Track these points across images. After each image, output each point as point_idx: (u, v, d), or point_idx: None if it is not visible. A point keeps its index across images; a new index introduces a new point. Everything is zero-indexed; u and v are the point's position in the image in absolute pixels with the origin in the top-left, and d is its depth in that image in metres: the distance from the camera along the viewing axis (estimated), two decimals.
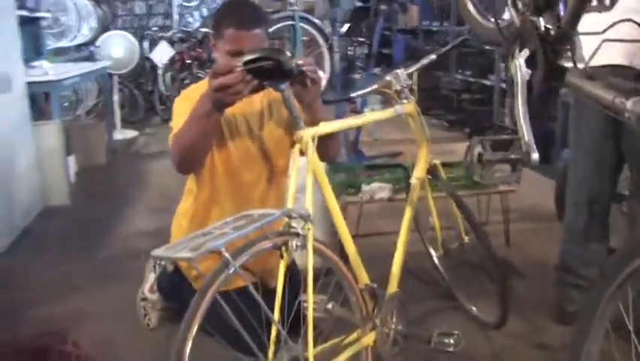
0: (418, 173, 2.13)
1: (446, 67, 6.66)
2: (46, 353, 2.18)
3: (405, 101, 2.09)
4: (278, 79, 1.59)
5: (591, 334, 1.15)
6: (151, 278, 2.37)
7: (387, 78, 2.12)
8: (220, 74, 1.53)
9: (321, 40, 4.18)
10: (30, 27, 4.97)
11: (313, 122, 1.72)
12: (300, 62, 1.69)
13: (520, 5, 1.21)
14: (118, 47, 6.19)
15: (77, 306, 2.63)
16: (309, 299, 1.52)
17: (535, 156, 1.11)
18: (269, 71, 1.55)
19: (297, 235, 1.51)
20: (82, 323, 2.48)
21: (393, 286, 1.92)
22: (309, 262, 1.53)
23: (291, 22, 4.00)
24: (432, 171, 2.18)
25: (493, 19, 1.50)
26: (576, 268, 2.33)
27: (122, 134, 6.18)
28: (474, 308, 2.45)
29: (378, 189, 3.00)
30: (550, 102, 4.51)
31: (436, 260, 2.59)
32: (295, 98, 1.71)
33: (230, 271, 1.34)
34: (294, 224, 1.52)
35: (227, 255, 1.29)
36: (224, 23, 1.86)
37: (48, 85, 3.89)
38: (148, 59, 7.40)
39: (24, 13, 4.54)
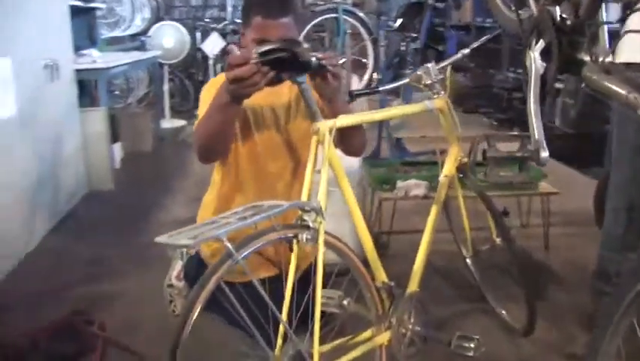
0: (447, 170, 2.07)
1: (499, 65, 6.49)
2: (72, 332, 2.25)
3: (435, 95, 2.03)
4: (294, 71, 1.56)
5: (601, 351, 1.08)
6: (178, 266, 2.38)
7: (418, 72, 2.06)
8: (235, 66, 1.51)
9: (365, 34, 4.12)
10: (84, 17, 5.11)
11: (334, 116, 1.69)
12: (321, 55, 1.66)
13: None
14: (169, 38, 6.30)
15: (110, 289, 2.69)
16: (318, 294, 1.49)
17: (545, 154, 1.05)
18: (285, 63, 1.52)
19: (308, 227, 1.48)
20: (112, 306, 2.54)
21: (413, 285, 1.87)
22: (319, 256, 1.50)
23: (334, 15, 3.97)
24: (461, 169, 2.12)
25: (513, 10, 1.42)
26: (613, 275, 2.22)
27: (170, 122, 6.30)
28: (504, 313, 2.37)
29: (414, 185, 2.93)
30: (603, 103, 4.32)
31: (468, 261, 2.52)
32: (316, 92, 1.69)
33: (235, 262, 1.32)
34: (305, 217, 1.49)
35: (228, 245, 1.28)
36: (252, 11, 1.84)
37: (95, 72, 3.99)
38: (200, 49, 7.51)
39: (78, 3, 4.66)
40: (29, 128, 3.22)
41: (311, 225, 1.49)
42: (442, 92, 2.05)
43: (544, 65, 1.09)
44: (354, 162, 2.90)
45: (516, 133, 1.37)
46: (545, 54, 1.09)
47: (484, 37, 2.23)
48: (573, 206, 3.72)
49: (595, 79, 0.99)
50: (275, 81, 1.59)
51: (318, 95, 1.73)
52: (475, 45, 2.19)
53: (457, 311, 2.50)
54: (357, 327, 1.76)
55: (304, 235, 1.48)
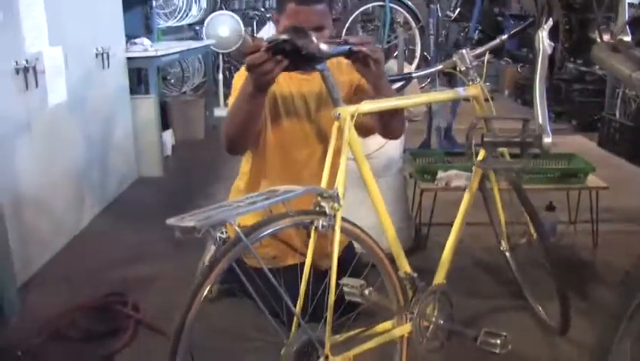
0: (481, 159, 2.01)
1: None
2: (106, 312, 2.32)
3: (470, 82, 1.97)
4: (304, 61, 1.55)
5: (611, 353, 1.01)
6: (212, 249, 2.42)
7: (453, 58, 2.01)
8: (248, 54, 1.52)
9: (412, 22, 4.05)
10: (141, 7, 5.23)
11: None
12: (353, 40, 1.65)
13: None
14: (224, 27, 6.36)
15: (148, 272, 2.75)
16: (332, 282, 1.47)
17: (548, 140, 0.98)
18: (291, 54, 1.52)
19: (325, 214, 1.46)
20: (149, 288, 2.60)
21: (439, 278, 1.83)
22: (335, 243, 1.48)
23: (381, 3, 3.91)
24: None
25: None
26: None
27: (223, 111, 6.37)
28: (540, 309, 2.29)
29: (455, 176, 2.86)
30: None
31: (507, 255, 2.44)
32: (362, 77, 1.72)
33: (244, 247, 1.32)
34: (323, 203, 1.47)
35: (237, 229, 1.28)
36: None
37: (146, 60, 4.07)
38: (256, 39, 7.57)
39: None
40: (80, 114, 3.33)
41: (328, 211, 1.47)
42: (478, 79, 1.98)
43: (553, 45, 1.02)
44: (396, 151, 2.86)
45: (519, 116, 1.27)
46: (554, 33, 1.03)
47: (524, 24, 2.14)
48: (627, 202, 3.56)
49: (602, 58, 0.92)
50: (292, 68, 1.59)
51: (366, 80, 1.74)
52: (514, 32, 2.10)
53: (493, 306, 2.43)
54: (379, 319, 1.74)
55: (320, 222, 1.46)
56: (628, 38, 0.95)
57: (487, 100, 1.96)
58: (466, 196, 1.94)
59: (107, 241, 3.16)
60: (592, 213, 2.95)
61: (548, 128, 0.98)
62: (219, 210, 1.27)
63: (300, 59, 1.53)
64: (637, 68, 0.81)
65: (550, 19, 1.01)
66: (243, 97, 1.70)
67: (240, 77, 1.92)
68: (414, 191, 3.13)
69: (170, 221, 1.25)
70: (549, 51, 1.02)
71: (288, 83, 2.00)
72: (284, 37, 1.51)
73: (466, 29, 7.59)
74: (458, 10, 7.91)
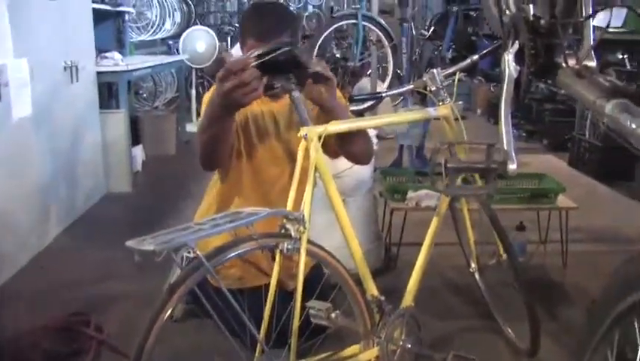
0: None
1: None
2: (68, 333, 2.24)
3: (440, 102, 1.96)
4: (289, 72, 1.52)
5: None
6: (178, 271, 2.36)
7: (424, 78, 2.00)
8: (234, 72, 1.46)
9: (385, 40, 4.07)
10: (113, 20, 5.17)
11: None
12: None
13: None
14: (201, 42, 6.34)
15: (113, 291, 2.69)
16: (297, 306, 1.44)
17: (513, 166, 0.97)
18: (281, 65, 1.49)
19: (290, 236, 1.43)
20: (113, 308, 2.53)
21: (407, 300, 1.81)
22: (300, 266, 1.46)
23: (354, 21, 3.92)
24: (467, 180, 2.04)
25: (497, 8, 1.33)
26: None
27: (195, 126, 6.32)
28: (510, 331, 2.28)
29: (425, 196, 2.85)
30: None
31: (476, 276, 2.43)
32: (313, 101, 1.68)
33: (206, 272, 1.28)
34: (288, 225, 1.45)
35: (199, 253, 1.24)
36: (246, 31, 1.82)
37: (116, 75, 4.02)
38: (231, 54, 7.55)
39: (106, 7, 4.72)
40: (46, 129, 3.26)
41: (293, 234, 1.44)
42: (448, 99, 1.98)
43: (519, 68, 1.01)
44: (366, 170, 2.85)
45: (483, 141, 1.26)
46: (520, 57, 1.02)
47: (495, 45, 2.15)
48: (596, 221, 3.59)
49: (567, 83, 0.91)
50: (268, 89, 1.55)
51: (316, 103, 1.70)
52: (484, 52, 2.11)
53: (462, 327, 2.41)
54: (348, 341, 1.71)
55: (285, 245, 1.43)
56: (593, 64, 0.95)
57: (457, 119, 1.96)
58: (435, 220, 1.92)
59: (71, 259, 3.08)
60: (562, 233, 2.96)
61: (513, 154, 0.97)
62: (181, 234, 1.24)
63: (282, 73, 1.50)
64: (601, 95, 0.80)
65: (517, 42, 1.01)
66: (210, 119, 1.66)
67: (211, 97, 1.89)
68: (384, 210, 3.11)
69: (130, 244, 1.21)
70: (515, 75, 1.01)
71: (258, 102, 1.98)
72: (275, 47, 1.46)
73: (440, 48, 7.70)
74: (432, 28, 8.03)
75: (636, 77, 4.60)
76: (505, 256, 2.17)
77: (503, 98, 1.00)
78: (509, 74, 1.00)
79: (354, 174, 2.74)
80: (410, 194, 2.87)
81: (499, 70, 4.49)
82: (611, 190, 4.44)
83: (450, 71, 2.02)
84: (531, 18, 0.98)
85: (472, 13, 7.84)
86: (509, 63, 1.01)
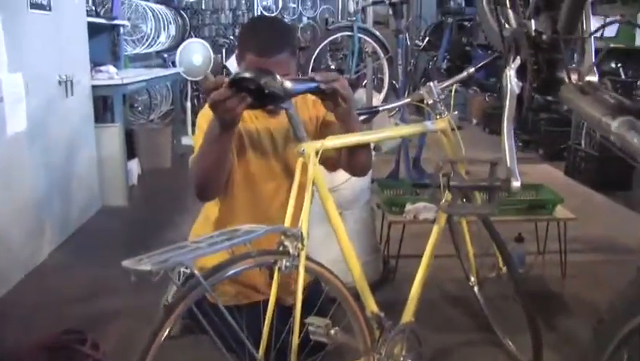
0: (449, 195, 1.98)
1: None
2: (63, 352, 2.21)
3: (438, 116, 1.95)
4: (267, 100, 1.51)
5: None
6: (174, 288, 2.34)
7: (420, 91, 1.99)
8: (210, 90, 1.48)
9: (380, 52, 4.07)
10: (108, 33, 5.17)
11: None
12: (319, 77, 1.61)
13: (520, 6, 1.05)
14: (197, 55, 6.34)
15: (109, 307, 2.66)
16: (296, 323, 1.42)
17: (517, 184, 0.96)
18: (255, 92, 1.48)
19: (288, 253, 1.41)
20: (110, 325, 2.51)
21: (407, 316, 1.78)
22: (299, 284, 1.44)
23: (349, 33, 3.92)
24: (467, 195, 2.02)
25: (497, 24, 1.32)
26: None
27: (191, 139, 6.30)
28: (510, 344, 2.26)
29: (423, 209, 2.84)
30: None
31: (475, 289, 2.41)
32: (332, 114, 1.68)
33: (204, 291, 1.26)
34: (286, 242, 1.43)
35: (196, 272, 1.22)
36: (245, 46, 1.80)
37: (111, 88, 4.00)
38: (225, 67, 7.56)
39: (101, 20, 4.72)
40: (41, 143, 3.24)
41: (291, 251, 1.42)
42: (446, 112, 1.97)
43: (521, 84, 1.00)
44: (364, 182, 2.83)
45: (485, 159, 1.24)
46: (522, 72, 1.00)
47: (491, 57, 2.14)
48: (594, 231, 3.58)
49: (571, 99, 0.90)
50: (257, 106, 1.54)
51: (334, 116, 1.70)
52: (481, 64, 2.10)
53: (463, 341, 2.39)
54: (348, 358, 1.69)
55: (284, 262, 1.41)
56: (595, 78, 0.94)
57: (453, 130, 1.95)
58: (434, 234, 1.91)
59: (66, 275, 3.05)
60: (560, 243, 2.95)
61: (517, 172, 0.95)
62: (178, 253, 1.22)
63: (265, 97, 1.49)
64: (606, 112, 0.79)
65: (518, 57, 1.00)
66: (210, 138, 1.65)
67: (204, 116, 1.88)
68: (382, 222, 3.10)
69: (126, 264, 1.19)
70: (517, 91, 1.00)
71: (252, 119, 1.96)
72: (246, 75, 1.47)
73: (435, 58, 7.71)
74: (427, 39, 8.05)
75: (631, 86, 4.61)
76: (504, 268, 2.15)
77: (506, 114, 0.99)
78: (511, 90, 0.99)
79: (351, 187, 2.73)
80: (408, 207, 2.86)
81: (494, 80, 4.49)
82: (608, 200, 4.44)
83: (447, 83, 2.01)
84: (533, 33, 0.97)
85: (466, 23, 7.88)
86: (511, 79, 1.00)
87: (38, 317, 2.54)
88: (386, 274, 2.98)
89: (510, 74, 1.01)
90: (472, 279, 2.36)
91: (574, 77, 0.95)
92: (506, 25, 1.28)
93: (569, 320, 2.58)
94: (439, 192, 1.56)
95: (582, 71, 0.95)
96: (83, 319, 2.52)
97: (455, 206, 1.53)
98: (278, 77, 1.47)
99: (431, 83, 1.97)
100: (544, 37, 0.96)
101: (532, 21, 0.98)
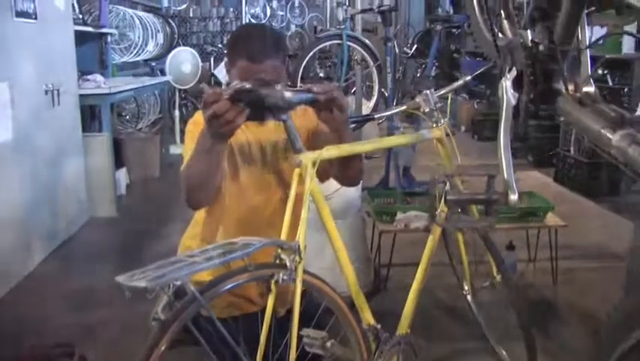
0: (444, 206, 1.97)
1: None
2: None
3: (434, 124, 1.94)
4: (266, 112, 1.50)
5: None
6: (164, 299, 2.30)
7: (417, 100, 1.98)
8: (210, 103, 1.45)
9: (370, 60, 4.07)
10: (95, 42, 5.12)
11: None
12: (317, 89, 1.60)
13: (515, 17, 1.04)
14: (186, 63, 6.31)
15: (97, 319, 2.62)
16: (293, 336, 1.40)
17: (514, 197, 0.94)
18: (253, 103, 1.47)
19: (285, 267, 1.39)
20: (98, 337, 2.47)
21: (403, 328, 1.77)
22: (296, 298, 1.42)
23: (339, 41, 3.92)
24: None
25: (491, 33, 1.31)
26: None
27: (180, 148, 6.26)
28: (504, 353, 2.25)
29: (414, 217, 2.83)
30: None
31: (468, 297, 2.40)
32: (324, 124, 1.67)
33: (200, 306, 1.24)
34: (283, 256, 1.41)
35: (192, 288, 1.20)
36: (236, 53, 1.79)
37: (99, 97, 3.96)
38: (213, 75, 7.53)
39: (89, 29, 4.68)
40: (27, 153, 3.20)
41: (288, 264, 1.40)
42: (442, 121, 1.96)
43: (517, 95, 0.99)
44: (355, 191, 2.82)
45: (482, 173, 1.22)
46: (518, 83, 0.99)
47: (487, 65, 2.14)
48: (584, 238, 3.59)
49: (569, 111, 0.89)
50: (254, 117, 1.52)
51: (328, 127, 1.68)
52: (477, 72, 2.10)
53: (458, 350, 2.39)
54: None
55: (281, 275, 1.40)
56: (592, 89, 0.93)
57: (448, 135, 1.95)
58: (429, 245, 1.89)
59: (54, 287, 3.00)
60: (551, 250, 2.96)
61: (514, 185, 0.94)
62: (173, 268, 1.19)
63: (264, 109, 1.47)
64: (606, 124, 0.78)
65: (514, 68, 0.99)
66: (201, 149, 1.63)
67: (194, 125, 1.85)
68: (372, 231, 3.08)
69: (120, 280, 1.16)
70: (513, 102, 0.99)
71: (242, 129, 1.94)
72: (247, 86, 1.45)
73: (424, 65, 7.74)
74: (415, 47, 8.08)
75: (618, 93, 4.65)
76: (498, 277, 2.15)
77: (502, 126, 0.98)
78: (507, 101, 0.98)
79: (342, 196, 2.71)
80: (399, 215, 2.84)
81: (482, 87, 4.48)
82: (597, 206, 4.46)
83: (444, 91, 2.00)
84: (529, 44, 0.97)
85: (454, 30, 7.93)
86: (507, 90, 0.98)
87: (26, 330, 2.50)
88: (377, 283, 2.96)
89: (506, 85, 1.00)
90: (466, 288, 2.35)
91: (571, 88, 0.94)
92: (500, 35, 1.27)
93: (562, 327, 2.58)
94: (434, 204, 1.54)
95: (579, 82, 0.94)
96: (72, 331, 2.48)
97: (453, 220, 1.51)
98: (278, 87, 1.46)
99: (427, 91, 1.96)
100: (540, 47, 0.95)
101: (529, 31, 0.97)
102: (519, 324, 2.04)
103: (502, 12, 1.14)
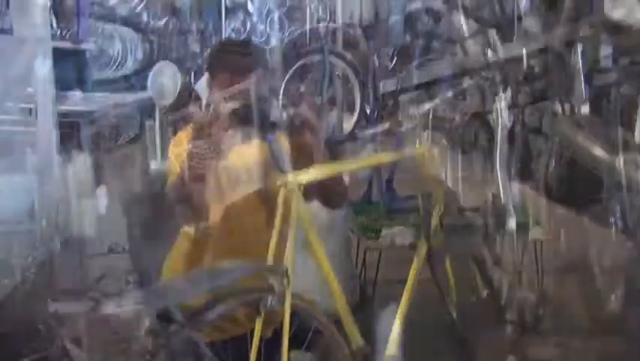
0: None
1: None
2: None
3: (418, 142, 1.94)
4: (261, 126, 1.48)
5: None
6: (147, 322, 2.26)
7: (399, 118, 1.97)
8: (210, 124, 1.44)
9: (352, 75, 4.06)
10: (74, 58, 5.06)
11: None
12: (293, 111, 1.60)
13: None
14: (167, 77, 6.24)
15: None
16: (284, 358, 1.37)
17: (512, 223, 0.93)
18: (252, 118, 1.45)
19: (273, 290, 1.36)
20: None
21: (391, 349, 1.74)
22: (285, 320, 1.39)
23: (319, 57, 3.91)
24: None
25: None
26: None
27: (161, 164, 6.19)
28: None
29: (399, 233, 2.81)
30: None
31: (454, 315, 2.38)
32: (297, 146, 1.65)
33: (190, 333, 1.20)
34: (271, 280, 1.38)
35: (181, 318, 1.16)
36: (217, 67, 1.78)
37: (77, 114, 3.90)
38: (194, 89, 7.47)
39: (66, 45, 4.62)
40: (2, 172, 3.13)
41: (277, 288, 1.37)
42: (425, 137, 1.96)
43: (512, 117, 0.97)
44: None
45: (478, 205, 1.21)
46: (513, 105, 0.98)
47: (465, 84, 2.14)
48: (568, 249, 3.59)
49: (568, 135, 0.88)
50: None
51: (297, 150, 1.66)
52: (460, 89, 2.10)
53: None
54: None
55: (269, 299, 1.37)
56: (586, 109, 0.92)
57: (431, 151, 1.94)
58: (414, 268, 1.88)
59: (29, 309, 2.92)
60: (537, 263, 2.96)
61: (512, 209, 0.92)
62: (160, 295, 1.16)
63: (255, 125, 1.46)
64: (607, 148, 0.76)
65: (508, 89, 0.97)
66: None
67: (176, 146, 1.85)
68: (357, 246, 3.06)
69: (107, 310, 1.13)
70: (509, 124, 0.98)
71: (231, 156, 1.93)
72: (248, 102, 1.43)
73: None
74: (395, 60, 8.11)
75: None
76: (485, 293, 2.14)
77: (498, 148, 0.96)
78: (502, 124, 0.96)
79: (327, 213, 2.68)
80: (384, 232, 2.83)
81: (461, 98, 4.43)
82: (578, 217, 4.47)
83: (426, 108, 2.00)
84: (525, 67, 0.95)
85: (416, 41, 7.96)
86: (502, 112, 0.97)
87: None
88: (363, 300, 2.94)
89: (501, 107, 0.98)
90: (451, 306, 2.33)
91: (566, 106, 0.93)
92: (489, 52, 1.26)
93: (550, 339, 2.56)
94: (427, 228, 1.53)
95: (574, 102, 0.93)
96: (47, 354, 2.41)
97: (449, 246, 1.50)
98: (275, 102, 1.45)
99: (410, 108, 1.95)
100: (536, 70, 0.94)
101: (524, 49, 0.96)
102: (506, 339, 2.03)
103: (495, 31, 1.12)
